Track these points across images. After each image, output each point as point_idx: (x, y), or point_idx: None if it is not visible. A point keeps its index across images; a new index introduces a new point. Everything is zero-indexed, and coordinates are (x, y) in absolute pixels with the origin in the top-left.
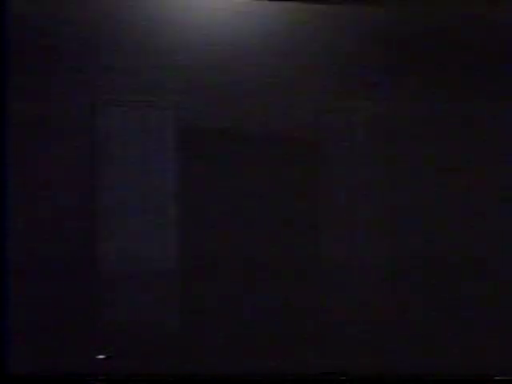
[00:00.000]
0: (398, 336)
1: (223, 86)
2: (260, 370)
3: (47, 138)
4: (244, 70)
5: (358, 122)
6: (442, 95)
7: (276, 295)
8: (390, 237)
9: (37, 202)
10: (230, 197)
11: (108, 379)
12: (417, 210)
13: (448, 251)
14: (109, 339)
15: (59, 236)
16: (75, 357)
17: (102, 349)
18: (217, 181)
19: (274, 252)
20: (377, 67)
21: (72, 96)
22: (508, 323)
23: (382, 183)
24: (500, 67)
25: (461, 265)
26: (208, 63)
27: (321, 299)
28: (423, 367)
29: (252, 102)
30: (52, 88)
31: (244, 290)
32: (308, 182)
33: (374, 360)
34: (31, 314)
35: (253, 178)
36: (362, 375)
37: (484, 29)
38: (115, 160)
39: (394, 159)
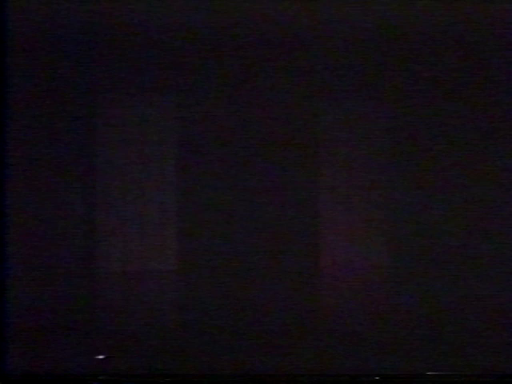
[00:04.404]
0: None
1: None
2: (260, 370)
3: (47, 137)
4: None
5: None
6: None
7: (276, 294)
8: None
9: (37, 202)
10: (230, 197)
11: (108, 379)
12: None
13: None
14: (109, 339)
15: (59, 235)
16: (75, 357)
17: (102, 349)
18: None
19: (274, 251)
20: None
21: (72, 95)
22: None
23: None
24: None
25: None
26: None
27: (320, 298)
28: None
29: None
30: (52, 89)
31: (244, 290)
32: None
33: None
34: (31, 314)
35: (253, 178)
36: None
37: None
38: (116, 159)
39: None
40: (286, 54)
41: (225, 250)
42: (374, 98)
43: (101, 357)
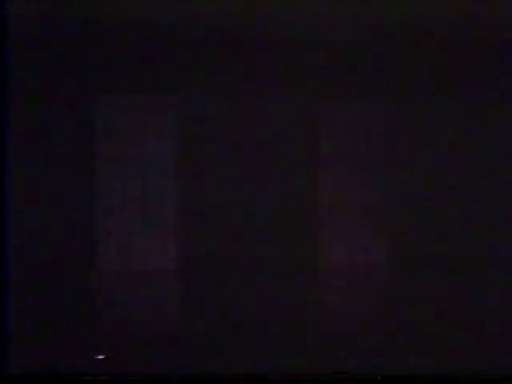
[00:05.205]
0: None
1: None
2: (260, 370)
3: (47, 137)
4: None
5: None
6: None
7: (276, 294)
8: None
9: (37, 202)
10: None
11: (108, 379)
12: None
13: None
14: (109, 339)
15: (59, 236)
16: (75, 357)
17: (102, 349)
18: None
19: (274, 252)
20: None
21: (72, 95)
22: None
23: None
24: None
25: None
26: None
27: (321, 298)
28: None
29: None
30: (52, 88)
31: (244, 290)
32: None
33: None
34: (31, 313)
35: (254, 178)
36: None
37: None
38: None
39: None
40: (286, 54)
41: (225, 250)
42: (374, 97)
43: (101, 357)
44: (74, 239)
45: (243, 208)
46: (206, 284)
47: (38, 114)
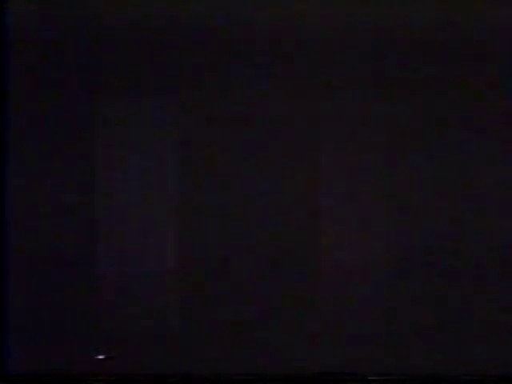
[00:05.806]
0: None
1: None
2: (260, 370)
3: (47, 137)
4: None
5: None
6: None
7: (275, 294)
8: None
9: (37, 202)
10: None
11: (108, 379)
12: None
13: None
14: (109, 339)
15: (59, 236)
16: (75, 357)
17: (102, 349)
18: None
19: (275, 251)
20: None
21: (72, 95)
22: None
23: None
24: None
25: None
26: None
27: (320, 298)
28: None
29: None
30: (52, 88)
31: (244, 290)
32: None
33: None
34: (31, 313)
35: (254, 178)
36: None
37: None
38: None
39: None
40: (286, 54)
41: (226, 250)
42: (374, 97)
43: (101, 357)
44: (74, 239)
45: (243, 208)
46: (206, 284)
47: (38, 113)
